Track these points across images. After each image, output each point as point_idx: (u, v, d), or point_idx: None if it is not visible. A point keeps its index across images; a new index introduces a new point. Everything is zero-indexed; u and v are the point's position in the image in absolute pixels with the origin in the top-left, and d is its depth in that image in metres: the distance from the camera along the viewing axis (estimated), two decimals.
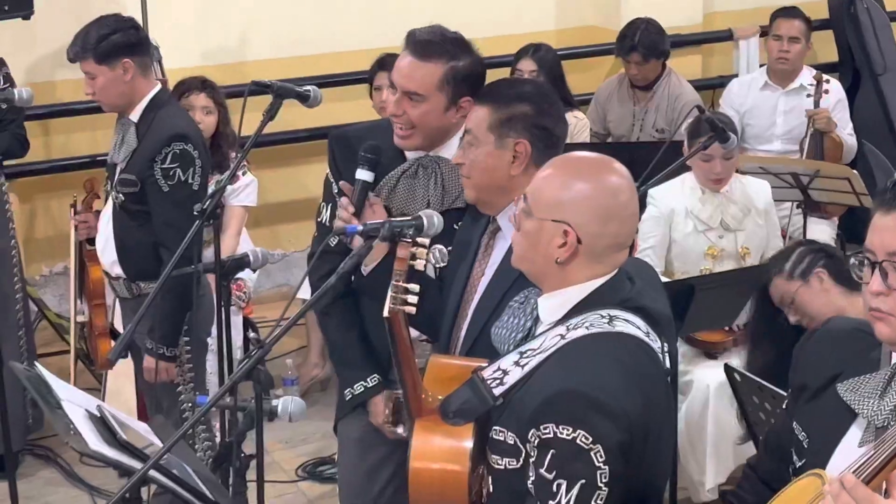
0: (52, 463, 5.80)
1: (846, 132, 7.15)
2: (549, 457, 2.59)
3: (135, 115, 4.67)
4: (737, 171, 5.55)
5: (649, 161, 4.41)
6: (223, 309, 3.77)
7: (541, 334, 2.74)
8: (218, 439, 4.67)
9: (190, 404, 4.64)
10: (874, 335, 2.48)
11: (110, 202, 4.76)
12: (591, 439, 2.57)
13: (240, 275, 4.54)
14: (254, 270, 3.99)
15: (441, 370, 2.94)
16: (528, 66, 6.71)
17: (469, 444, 2.77)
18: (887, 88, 8.25)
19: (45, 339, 6.74)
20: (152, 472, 2.87)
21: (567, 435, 2.57)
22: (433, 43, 3.55)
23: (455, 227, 3.48)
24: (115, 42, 4.59)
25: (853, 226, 7.21)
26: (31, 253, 6.96)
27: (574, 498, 2.58)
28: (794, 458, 2.58)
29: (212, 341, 4.87)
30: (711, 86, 8.21)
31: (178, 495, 3.04)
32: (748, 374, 4.05)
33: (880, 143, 7.69)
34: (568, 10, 8.17)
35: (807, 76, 7.19)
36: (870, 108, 8.21)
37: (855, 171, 6.32)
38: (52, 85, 7.00)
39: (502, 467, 2.71)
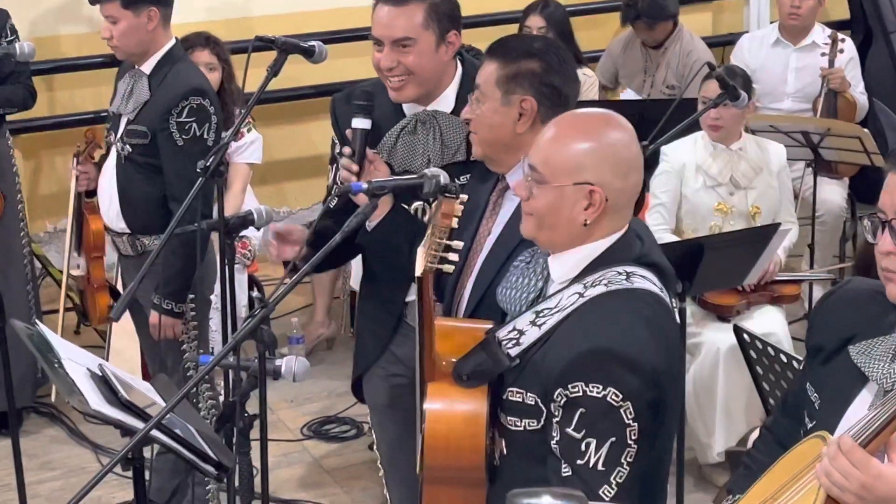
0: (56, 421, 5.80)
1: (858, 91, 7.08)
2: (577, 416, 2.57)
3: (147, 67, 4.62)
4: (746, 131, 5.50)
5: (660, 118, 4.36)
6: (227, 267, 3.73)
7: (556, 293, 2.71)
8: (222, 398, 4.64)
9: (193, 363, 4.61)
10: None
11: (113, 154, 4.71)
12: (621, 396, 2.55)
13: (244, 232, 4.50)
14: (258, 228, 3.94)
15: (447, 333, 2.90)
16: (536, 23, 6.64)
17: (484, 406, 2.73)
18: None
19: (49, 296, 6.72)
20: (154, 432, 2.84)
21: (597, 393, 2.56)
22: None
23: (455, 181, 3.43)
24: None
25: (864, 186, 7.15)
26: (35, 209, 6.93)
27: (604, 456, 2.57)
28: (806, 419, 2.56)
29: (215, 299, 4.84)
30: (721, 43, 8.14)
31: (181, 455, 3.02)
32: (758, 336, 4.01)
33: (891, 101, 7.60)
34: None
35: (819, 33, 7.10)
36: (881, 67, 8.14)
37: (866, 130, 6.28)
38: (56, 39, 6.95)
39: (520, 428, 2.69)
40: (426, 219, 3.58)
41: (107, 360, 5.22)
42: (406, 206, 3.60)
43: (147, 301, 4.61)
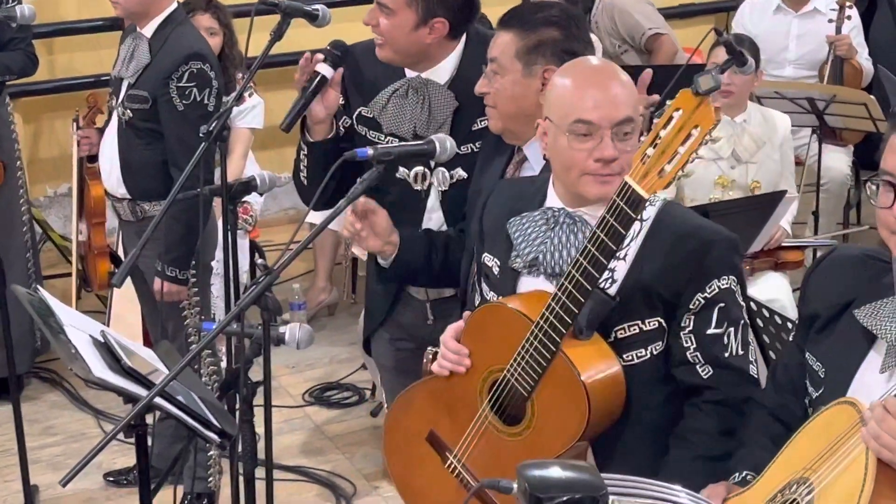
0: (57, 386, 5.79)
1: (863, 57, 7.04)
2: (716, 313, 2.76)
3: (148, 30, 4.58)
4: (752, 99, 5.46)
5: (666, 84, 4.32)
6: (230, 233, 3.71)
7: None
8: (224, 365, 4.62)
9: (195, 330, 4.60)
10: (883, 260, 2.48)
11: (115, 119, 4.67)
12: (736, 280, 2.79)
13: (246, 198, 4.48)
14: (261, 194, 3.93)
15: (536, 300, 2.81)
16: None
17: (611, 350, 2.77)
18: None
19: (49, 261, 6.70)
20: (157, 400, 2.82)
21: (726, 284, 2.76)
22: None
23: (458, 150, 3.40)
24: None
25: (869, 153, 7.11)
26: (35, 174, 6.90)
27: (741, 340, 2.80)
28: (810, 389, 2.56)
29: (217, 265, 4.82)
30: (724, 8, 8.09)
31: (184, 422, 3.00)
32: (765, 305, 3.98)
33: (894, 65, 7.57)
34: None
35: (821, 0, 7.05)
36: (886, 34, 8.08)
37: (872, 97, 6.25)
38: (56, 2, 6.91)
39: (645, 357, 2.78)
40: (426, 185, 3.57)
41: (108, 325, 5.19)
42: (406, 173, 3.58)
43: (148, 267, 4.58)
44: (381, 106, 3.61)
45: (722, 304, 2.75)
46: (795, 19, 7.06)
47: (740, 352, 2.78)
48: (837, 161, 6.63)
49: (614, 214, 2.59)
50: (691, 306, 2.74)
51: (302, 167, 3.64)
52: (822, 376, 2.52)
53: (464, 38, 3.61)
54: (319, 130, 3.57)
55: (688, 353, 2.75)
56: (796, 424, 2.52)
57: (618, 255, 2.69)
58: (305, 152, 3.61)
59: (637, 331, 2.76)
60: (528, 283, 2.86)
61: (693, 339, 2.75)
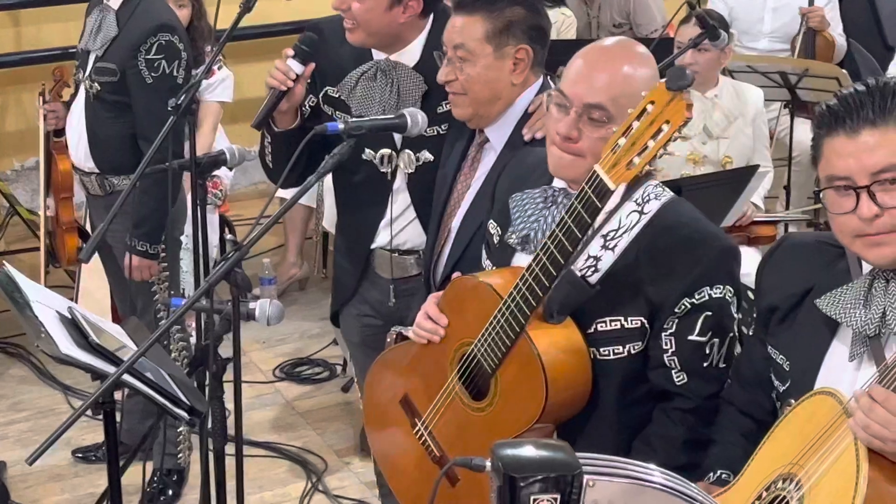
0: (24, 361, 5.75)
1: (836, 32, 7.04)
2: (700, 320, 2.65)
3: (115, 2, 4.52)
4: (724, 73, 5.45)
5: None
6: (199, 207, 3.67)
7: (611, 216, 2.67)
8: (193, 340, 4.59)
9: (164, 306, 4.56)
10: (837, 245, 2.42)
11: (82, 92, 4.62)
12: (733, 292, 2.69)
13: (216, 172, 4.43)
14: (230, 168, 3.89)
15: (506, 278, 2.76)
16: None
17: (583, 341, 2.68)
18: None
19: (17, 235, 6.65)
20: (125, 377, 2.79)
21: (719, 293, 2.66)
22: None
23: (423, 133, 3.36)
24: None
25: None
26: (1, 147, 6.84)
27: (724, 353, 2.70)
28: (776, 382, 2.52)
29: (186, 240, 4.78)
30: None
31: (153, 400, 2.97)
32: (748, 286, 3.96)
33: (868, 42, 7.56)
34: None
35: None
36: (858, 7, 8.07)
37: (844, 71, 6.24)
38: None
39: (622, 355, 2.70)
40: (392, 167, 3.54)
41: (76, 301, 5.16)
42: (373, 154, 3.55)
43: (117, 242, 4.54)
44: (350, 88, 3.57)
45: (709, 313, 2.65)
46: None
47: (721, 365, 2.70)
48: (809, 134, 6.60)
49: (581, 202, 2.54)
50: (677, 309, 2.65)
51: (267, 152, 3.60)
52: (787, 369, 2.48)
53: (430, 19, 3.56)
54: (283, 120, 3.52)
55: (665, 357, 2.67)
56: (767, 419, 2.49)
57: (607, 244, 2.64)
58: (269, 140, 3.56)
59: (618, 326, 2.68)
60: (520, 260, 2.81)
61: (673, 342, 2.67)
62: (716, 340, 2.67)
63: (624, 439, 2.73)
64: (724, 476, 2.54)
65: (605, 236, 2.67)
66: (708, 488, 2.50)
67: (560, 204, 2.75)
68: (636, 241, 2.66)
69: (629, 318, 2.68)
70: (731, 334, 2.70)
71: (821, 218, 6.21)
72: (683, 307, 2.65)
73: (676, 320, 2.66)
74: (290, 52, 3.45)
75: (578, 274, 2.65)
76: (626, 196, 2.68)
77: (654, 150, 2.40)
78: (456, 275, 2.97)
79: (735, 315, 2.70)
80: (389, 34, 3.50)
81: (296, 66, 3.44)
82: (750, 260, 5.25)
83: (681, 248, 2.66)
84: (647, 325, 2.67)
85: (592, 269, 2.66)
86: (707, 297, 2.64)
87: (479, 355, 2.74)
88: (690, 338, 2.66)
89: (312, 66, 3.48)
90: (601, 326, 2.69)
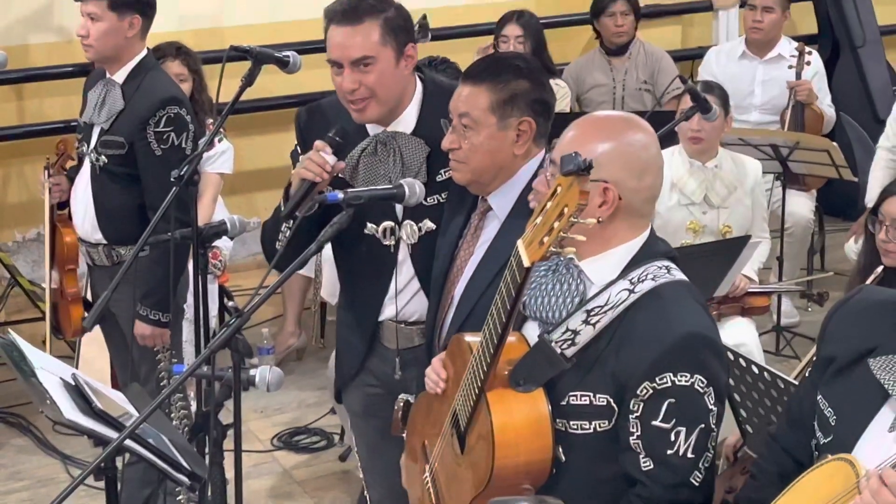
0: (24, 431, 5.76)
1: (825, 104, 7.14)
2: (664, 406, 2.61)
3: (119, 76, 4.61)
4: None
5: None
6: (200, 277, 3.73)
7: (601, 292, 2.70)
8: (194, 408, 4.63)
9: (167, 373, 4.60)
10: None
11: (87, 165, 4.69)
12: (706, 382, 2.61)
13: (216, 242, 4.49)
14: (231, 238, 3.94)
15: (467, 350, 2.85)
16: (514, 32, 6.68)
17: (546, 408, 2.71)
18: (866, 60, 8.25)
19: (17, 306, 6.69)
20: (128, 442, 2.84)
21: (685, 381, 2.61)
22: (357, 5, 3.45)
23: (423, 202, 3.42)
24: None
25: (831, 199, 7.21)
26: (3, 219, 6.90)
27: (693, 443, 2.63)
28: (819, 433, 2.52)
29: (187, 309, 4.83)
30: (690, 56, 8.20)
31: (154, 465, 3.01)
32: (729, 347, 4.01)
33: (858, 115, 7.68)
34: None
35: (785, 46, 7.17)
36: (848, 80, 8.21)
37: (834, 144, 6.34)
38: (26, 49, 6.93)
39: (589, 431, 2.69)
40: (397, 237, 3.58)
41: (77, 369, 5.19)
42: (375, 228, 3.58)
43: (122, 310, 4.59)
44: (352, 168, 3.57)
45: (672, 400, 2.60)
46: (760, 65, 7.18)
47: (689, 455, 2.63)
48: (801, 206, 6.70)
49: (508, 275, 2.59)
50: (639, 392, 2.62)
51: (281, 237, 3.59)
52: (833, 423, 2.46)
53: (419, 86, 3.61)
54: (303, 206, 3.55)
55: (631, 440, 2.65)
56: (808, 463, 2.48)
57: (589, 320, 2.66)
58: (290, 225, 3.55)
59: (587, 402, 2.67)
60: (529, 328, 2.86)
61: (638, 425, 2.64)
62: (682, 429, 2.62)
63: None
64: None
65: (588, 311, 2.69)
66: None
67: (560, 271, 2.78)
68: (619, 318, 2.66)
69: (597, 395, 2.67)
70: (702, 425, 2.64)
71: (814, 289, 6.28)
72: (645, 391, 2.62)
73: (642, 403, 2.63)
74: (322, 143, 3.49)
75: (554, 346, 2.67)
76: (623, 274, 2.71)
77: (557, 231, 2.43)
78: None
79: (710, 406, 2.64)
80: (398, 95, 3.51)
81: (330, 159, 3.48)
82: (745, 331, 5.32)
83: (646, 329, 2.64)
84: (613, 405, 2.66)
85: (570, 342, 2.68)
86: (669, 384, 2.60)
87: (458, 410, 2.82)
88: (654, 423, 2.62)
89: (342, 163, 3.53)
90: (573, 400, 2.70)
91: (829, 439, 2.47)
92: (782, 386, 3.60)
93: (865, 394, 2.42)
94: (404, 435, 3.34)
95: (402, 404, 3.21)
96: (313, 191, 3.43)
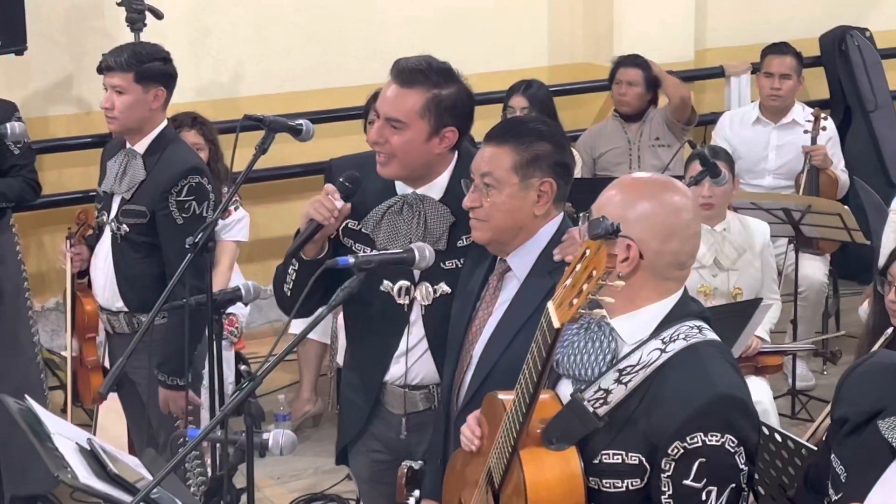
0: (45, 501, 5.76)
1: (839, 168, 7.18)
2: (695, 466, 2.63)
3: (140, 147, 4.67)
4: (729, 209, 5.56)
5: None
6: (215, 343, 3.77)
7: (633, 351, 2.73)
8: (209, 473, 4.64)
9: (182, 438, 4.62)
10: None
11: (107, 234, 4.74)
12: (736, 442, 2.64)
13: (232, 309, 4.52)
14: (246, 304, 3.98)
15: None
16: (519, 103, 6.73)
17: (579, 467, 2.73)
18: (878, 125, 8.29)
19: None
20: None
21: (716, 441, 2.63)
22: (418, 71, 3.52)
23: (442, 265, 3.46)
24: (160, 69, 4.65)
25: (845, 262, 7.22)
26: None
27: (724, 503, 2.65)
28: (830, 490, 2.56)
29: (205, 375, 4.85)
30: (703, 122, 8.23)
31: None
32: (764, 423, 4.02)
33: (871, 179, 7.71)
34: (560, 46, 8.20)
35: (799, 111, 7.23)
36: (861, 145, 8.25)
37: (846, 207, 6.36)
38: (45, 120, 7.01)
39: (621, 490, 2.71)
40: (412, 297, 3.61)
41: (94, 435, 5.21)
42: (390, 286, 3.61)
43: (140, 378, 4.62)
44: (376, 221, 3.61)
45: (703, 460, 2.63)
46: (775, 130, 7.24)
47: None
48: (815, 270, 6.72)
49: (539, 336, 2.63)
50: (670, 451, 2.65)
51: (289, 279, 3.67)
52: (843, 481, 2.52)
53: (456, 154, 3.63)
54: (311, 250, 3.59)
55: (663, 499, 2.67)
56: None
57: (622, 379, 2.69)
58: (295, 267, 3.63)
59: (619, 461, 2.70)
60: (563, 386, 2.89)
61: (670, 484, 2.66)
62: (713, 489, 2.64)
63: None
64: None
65: (620, 370, 2.71)
66: None
67: (592, 329, 2.81)
68: (650, 377, 2.69)
69: (629, 454, 2.70)
70: (733, 485, 2.66)
71: (828, 348, 6.28)
72: (676, 450, 2.64)
73: (673, 463, 2.65)
74: (332, 187, 3.54)
75: (587, 405, 2.69)
76: (656, 333, 2.73)
77: (586, 293, 2.47)
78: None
79: (742, 466, 2.66)
80: (423, 165, 3.56)
81: (339, 203, 3.54)
82: (759, 390, 5.33)
83: (677, 389, 2.67)
84: (645, 464, 2.68)
85: (602, 401, 2.70)
86: (700, 444, 2.63)
87: (492, 467, 2.83)
88: (685, 482, 2.64)
89: (349, 206, 3.58)
90: (605, 458, 2.72)
91: (838, 496, 2.51)
92: (793, 447, 3.60)
93: (875, 453, 2.47)
94: (409, 501, 3.34)
95: (405, 471, 3.22)
96: (319, 231, 3.51)
